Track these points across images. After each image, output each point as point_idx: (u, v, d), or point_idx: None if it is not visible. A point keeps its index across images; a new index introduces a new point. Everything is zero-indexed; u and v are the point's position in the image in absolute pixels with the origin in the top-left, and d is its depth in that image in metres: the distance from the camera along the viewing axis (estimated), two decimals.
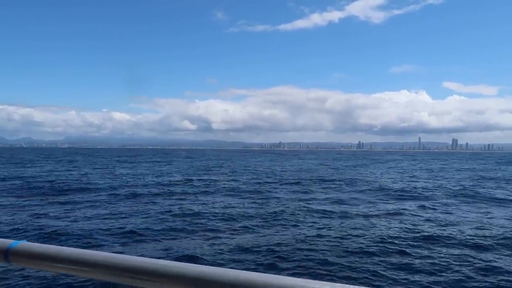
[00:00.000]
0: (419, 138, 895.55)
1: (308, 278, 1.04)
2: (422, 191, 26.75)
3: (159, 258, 1.03)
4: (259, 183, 32.36)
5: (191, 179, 34.44)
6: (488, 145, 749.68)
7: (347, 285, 1.00)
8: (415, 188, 28.65)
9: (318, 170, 51.37)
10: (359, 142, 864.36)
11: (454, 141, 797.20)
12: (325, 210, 18.62)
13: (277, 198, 23.16)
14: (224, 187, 28.40)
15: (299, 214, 17.65)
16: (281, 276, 1.03)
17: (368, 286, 8.76)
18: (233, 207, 19.57)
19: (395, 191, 26.87)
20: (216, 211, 18.34)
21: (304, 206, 19.65)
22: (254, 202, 21.28)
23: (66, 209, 18.32)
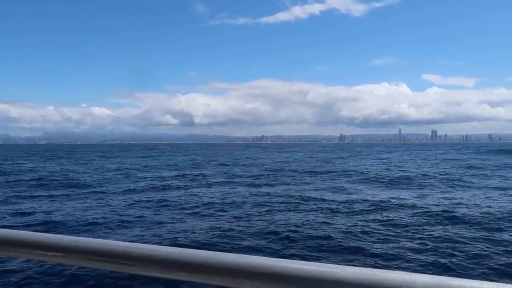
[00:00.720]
0: (400, 130, 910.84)
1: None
2: (418, 179, 27.14)
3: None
4: (255, 175, 32.10)
5: (188, 174, 33.94)
6: (466, 135, 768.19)
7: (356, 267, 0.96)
8: (410, 176, 28.96)
9: (309, 162, 51.49)
10: (341, 134, 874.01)
11: (434, 132, 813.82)
12: (325, 199, 18.59)
13: (277, 189, 23.00)
14: (221, 181, 28.03)
15: (302, 203, 17.55)
16: (284, 259, 0.99)
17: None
18: (235, 200, 19.27)
19: (392, 179, 27.20)
20: (217, 201, 18.07)
21: (305, 195, 19.55)
22: (256, 195, 21.01)
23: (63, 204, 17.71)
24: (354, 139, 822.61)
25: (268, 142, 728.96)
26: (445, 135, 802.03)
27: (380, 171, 34.21)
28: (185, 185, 25.22)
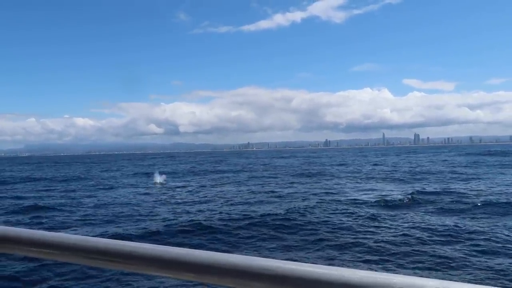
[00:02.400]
0: (383, 134, 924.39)
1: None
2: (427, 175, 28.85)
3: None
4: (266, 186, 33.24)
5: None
6: (448, 138, 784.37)
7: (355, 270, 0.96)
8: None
9: (315, 167, 52.88)
10: (326, 140, 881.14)
11: (416, 136, 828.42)
12: (354, 200, 19.85)
13: (300, 191, 24.22)
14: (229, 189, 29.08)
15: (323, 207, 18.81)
16: (286, 262, 1.01)
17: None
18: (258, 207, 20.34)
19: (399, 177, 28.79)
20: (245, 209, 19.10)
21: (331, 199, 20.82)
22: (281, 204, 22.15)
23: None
24: (339, 144, 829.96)
25: (254, 149, 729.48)
26: (428, 138, 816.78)
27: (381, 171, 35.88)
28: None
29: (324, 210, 17.90)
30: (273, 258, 0.90)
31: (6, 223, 16.94)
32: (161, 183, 34.84)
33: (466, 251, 10.85)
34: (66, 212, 19.88)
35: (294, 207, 18.57)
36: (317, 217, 16.32)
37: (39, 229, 10.75)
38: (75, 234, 14.54)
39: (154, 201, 23.56)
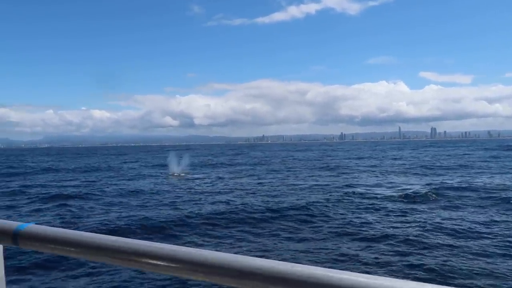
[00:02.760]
0: (399, 128, 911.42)
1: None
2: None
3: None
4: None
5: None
6: (465, 132, 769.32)
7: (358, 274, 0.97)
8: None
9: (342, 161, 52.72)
10: (341, 133, 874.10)
11: (433, 129, 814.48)
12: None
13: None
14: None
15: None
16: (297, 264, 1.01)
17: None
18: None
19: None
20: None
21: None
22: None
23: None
24: (355, 138, 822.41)
25: (269, 142, 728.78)
26: (445, 132, 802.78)
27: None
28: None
29: (345, 204, 17.86)
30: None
31: (37, 211, 17.41)
32: (179, 175, 35.23)
33: (493, 249, 10.71)
34: (90, 200, 20.30)
35: (315, 201, 18.58)
36: (339, 212, 16.31)
37: (67, 217, 11.01)
38: (101, 221, 14.89)
39: (174, 191, 23.84)
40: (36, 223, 1.41)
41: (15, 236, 1.38)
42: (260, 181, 29.02)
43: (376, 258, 9.91)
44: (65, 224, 14.62)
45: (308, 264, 0.98)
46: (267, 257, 1.00)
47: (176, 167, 37.95)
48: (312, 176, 32.06)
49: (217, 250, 1.02)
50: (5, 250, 1.51)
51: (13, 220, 1.47)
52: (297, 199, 19.22)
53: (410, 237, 11.73)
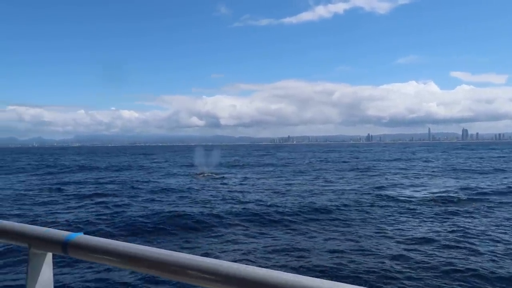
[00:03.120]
0: (429, 129, 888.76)
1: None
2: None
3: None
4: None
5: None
6: (499, 134, 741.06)
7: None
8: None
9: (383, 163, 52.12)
10: (368, 134, 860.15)
11: (464, 131, 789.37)
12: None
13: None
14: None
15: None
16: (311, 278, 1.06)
17: None
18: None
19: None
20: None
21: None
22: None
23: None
24: (382, 139, 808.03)
25: (294, 142, 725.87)
26: (477, 134, 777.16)
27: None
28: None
29: (379, 207, 17.58)
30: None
31: (75, 209, 18.01)
32: (208, 174, 35.62)
33: None
34: (125, 198, 20.82)
35: (347, 203, 18.40)
36: (372, 215, 16.09)
37: (105, 213, 11.36)
38: (137, 218, 15.24)
39: (204, 190, 24.10)
40: (84, 233, 1.49)
41: (64, 245, 1.46)
42: (289, 181, 28.97)
43: (417, 262, 9.72)
44: (103, 221, 15.07)
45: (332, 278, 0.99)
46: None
47: (205, 166, 38.43)
48: (342, 177, 31.74)
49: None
50: (54, 258, 1.62)
51: (63, 230, 1.56)
52: (329, 201, 19.07)
53: (451, 243, 11.44)
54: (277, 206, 17.83)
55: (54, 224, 14.36)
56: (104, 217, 15.79)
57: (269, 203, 18.61)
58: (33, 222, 14.31)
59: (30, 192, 23.74)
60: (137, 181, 30.13)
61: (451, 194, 20.60)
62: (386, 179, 29.76)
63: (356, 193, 21.76)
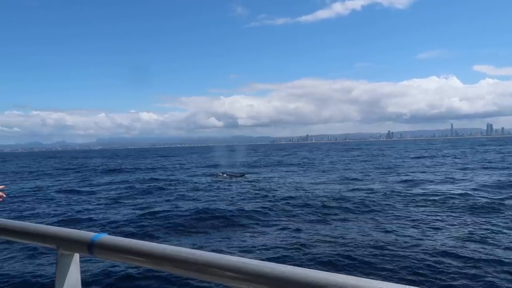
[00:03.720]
0: (451, 125, 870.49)
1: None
2: None
3: None
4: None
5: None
6: None
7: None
8: None
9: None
10: (389, 131, 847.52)
11: (489, 126, 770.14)
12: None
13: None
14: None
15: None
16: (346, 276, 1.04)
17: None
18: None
19: None
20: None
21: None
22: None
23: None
24: (403, 136, 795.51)
25: (313, 141, 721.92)
26: (502, 128, 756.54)
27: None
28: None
29: (415, 206, 16.90)
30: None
31: (105, 209, 18.01)
32: (234, 174, 35.41)
33: None
34: (153, 197, 20.82)
35: (381, 200, 17.87)
36: (410, 215, 15.49)
37: (143, 211, 11.31)
38: (171, 216, 15.17)
39: (232, 189, 23.85)
40: (108, 234, 1.54)
41: (90, 246, 1.51)
42: (314, 180, 28.46)
43: (463, 258, 9.20)
44: (141, 218, 15.11)
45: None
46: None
47: (229, 166, 38.22)
48: (368, 175, 30.99)
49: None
50: (80, 258, 1.66)
51: (88, 231, 1.61)
52: (361, 200, 18.49)
53: (498, 241, 10.82)
54: (308, 203, 17.60)
55: (83, 226, 14.47)
56: (134, 216, 15.75)
57: (299, 200, 18.38)
58: (62, 224, 14.44)
59: (59, 194, 23.99)
60: (163, 181, 30.15)
61: (490, 194, 19.70)
62: (417, 177, 28.81)
63: (388, 191, 21.08)
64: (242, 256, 1.24)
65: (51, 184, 31.08)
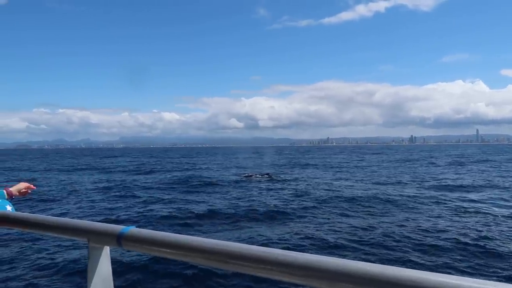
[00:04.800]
0: (477, 130, 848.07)
1: None
2: None
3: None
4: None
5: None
6: None
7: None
8: None
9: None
10: (411, 135, 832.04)
11: None
12: None
13: None
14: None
15: None
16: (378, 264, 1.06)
17: None
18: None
19: None
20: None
21: None
22: None
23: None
24: (426, 140, 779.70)
25: (334, 144, 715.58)
26: None
27: None
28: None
29: (471, 222, 16.27)
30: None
31: (136, 206, 18.08)
32: (263, 175, 35.24)
33: None
34: (182, 194, 20.85)
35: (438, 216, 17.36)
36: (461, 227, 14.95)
37: (180, 207, 11.45)
38: (207, 213, 15.19)
39: (262, 190, 23.63)
40: (136, 227, 1.59)
41: (119, 239, 1.57)
42: (342, 183, 27.98)
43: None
44: (174, 219, 15.10)
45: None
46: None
47: (256, 167, 38.04)
48: (400, 182, 30.28)
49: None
50: (110, 251, 1.73)
51: (118, 224, 1.68)
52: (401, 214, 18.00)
53: None
54: (341, 202, 17.41)
55: (112, 220, 14.72)
56: (164, 213, 15.86)
57: (330, 200, 18.37)
58: (92, 219, 14.76)
59: (89, 191, 24.37)
60: (192, 181, 30.23)
61: None
62: (462, 186, 27.90)
63: (432, 209, 20.46)
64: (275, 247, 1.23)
65: (82, 180, 31.64)
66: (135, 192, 23.15)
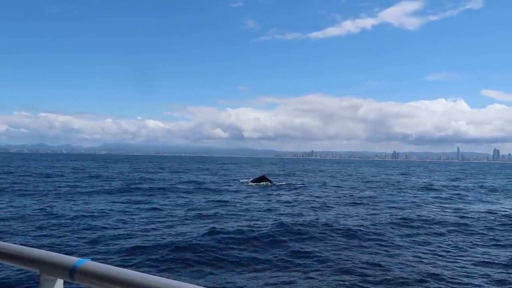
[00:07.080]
0: (458, 148, 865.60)
1: None
2: None
3: None
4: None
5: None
6: None
7: None
8: None
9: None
10: (394, 151, 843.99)
11: (496, 151, 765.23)
12: None
13: None
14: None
15: None
16: None
17: None
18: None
19: None
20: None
21: None
22: None
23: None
24: (408, 157, 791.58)
25: (318, 157, 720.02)
26: (509, 154, 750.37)
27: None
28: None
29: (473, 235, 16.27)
30: None
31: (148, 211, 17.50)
32: (254, 184, 35.01)
33: None
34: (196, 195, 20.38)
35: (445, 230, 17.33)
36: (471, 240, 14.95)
37: (188, 209, 11.13)
38: (202, 227, 14.64)
39: (255, 200, 23.37)
40: (91, 260, 1.51)
41: (72, 272, 1.47)
42: (334, 195, 27.90)
43: None
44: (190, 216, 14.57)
45: None
46: None
47: (245, 177, 37.80)
48: (417, 196, 30.35)
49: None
50: (64, 284, 1.59)
51: (73, 256, 1.56)
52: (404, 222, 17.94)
53: None
54: (337, 222, 17.08)
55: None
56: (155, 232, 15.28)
57: (329, 216, 17.94)
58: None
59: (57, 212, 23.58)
60: (189, 191, 29.68)
61: None
62: (457, 199, 28.14)
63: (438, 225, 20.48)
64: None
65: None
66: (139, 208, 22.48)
